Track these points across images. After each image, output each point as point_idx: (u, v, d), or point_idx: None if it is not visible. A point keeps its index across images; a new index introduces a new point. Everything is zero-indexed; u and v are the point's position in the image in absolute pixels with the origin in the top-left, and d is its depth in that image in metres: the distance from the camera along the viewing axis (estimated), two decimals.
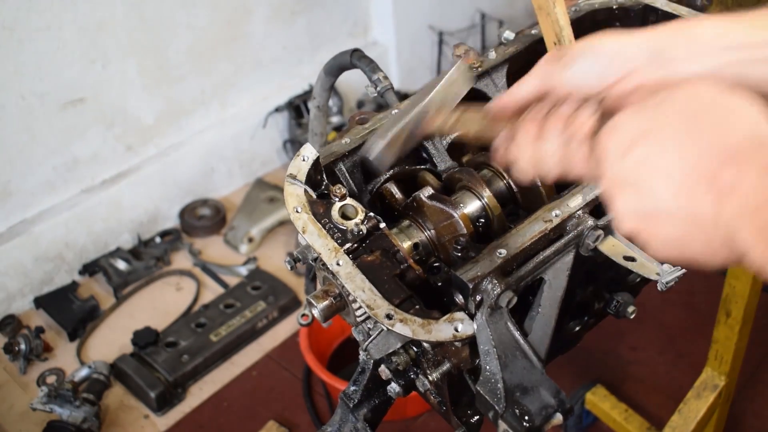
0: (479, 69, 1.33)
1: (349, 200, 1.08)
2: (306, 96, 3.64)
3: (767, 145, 0.68)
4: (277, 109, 3.64)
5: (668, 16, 1.40)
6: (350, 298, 1.02)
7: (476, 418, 1.15)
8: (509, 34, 1.39)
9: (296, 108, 3.65)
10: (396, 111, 1.06)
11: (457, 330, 0.97)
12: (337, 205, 1.07)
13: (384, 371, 1.15)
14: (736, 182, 0.67)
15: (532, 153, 0.88)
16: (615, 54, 0.87)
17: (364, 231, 1.05)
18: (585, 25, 1.43)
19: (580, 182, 1.09)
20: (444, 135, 1.02)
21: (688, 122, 0.72)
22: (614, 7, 1.44)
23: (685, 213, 0.71)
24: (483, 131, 0.96)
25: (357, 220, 1.05)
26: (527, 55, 1.38)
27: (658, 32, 0.87)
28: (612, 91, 0.87)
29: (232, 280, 3.17)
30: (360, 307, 1.00)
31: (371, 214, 1.07)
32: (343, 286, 1.01)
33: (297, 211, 1.07)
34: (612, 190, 0.77)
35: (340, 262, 1.02)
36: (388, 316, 0.96)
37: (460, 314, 0.98)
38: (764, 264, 0.65)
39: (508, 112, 0.94)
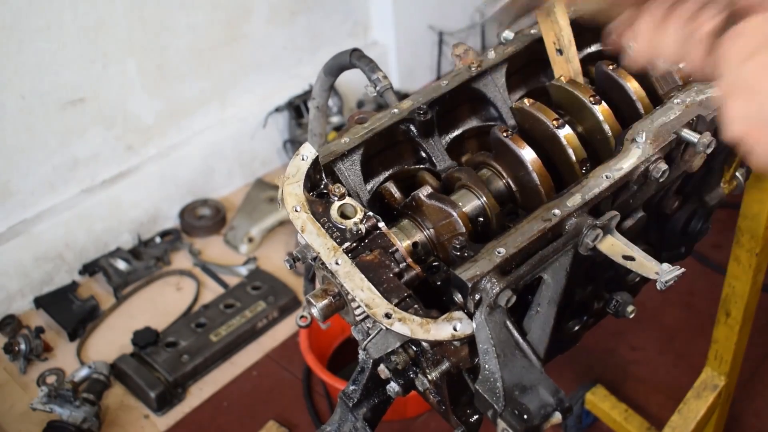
0: (478, 69, 1.33)
1: (348, 199, 1.08)
2: (306, 96, 3.64)
3: None
4: (277, 109, 3.64)
5: None
6: (349, 297, 1.02)
7: (475, 417, 1.15)
8: (508, 34, 1.39)
9: (296, 108, 3.65)
10: None
11: (455, 329, 0.97)
12: (336, 204, 1.07)
13: (383, 370, 1.15)
14: None
15: (650, 40, 0.89)
16: None
17: (363, 230, 1.05)
18: (584, 25, 1.43)
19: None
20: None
21: None
22: None
23: None
24: (601, 12, 0.97)
25: (356, 219, 1.06)
26: (526, 54, 1.38)
27: None
28: None
29: (232, 280, 3.17)
30: (359, 306, 1.00)
31: (370, 213, 1.07)
32: (342, 285, 1.02)
33: (296, 210, 1.07)
34: (727, 93, 0.79)
35: (339, 261, 1.02)
36: (387, 316, 0.96)
37: (458, 313, 0.98)
38: None
39: None
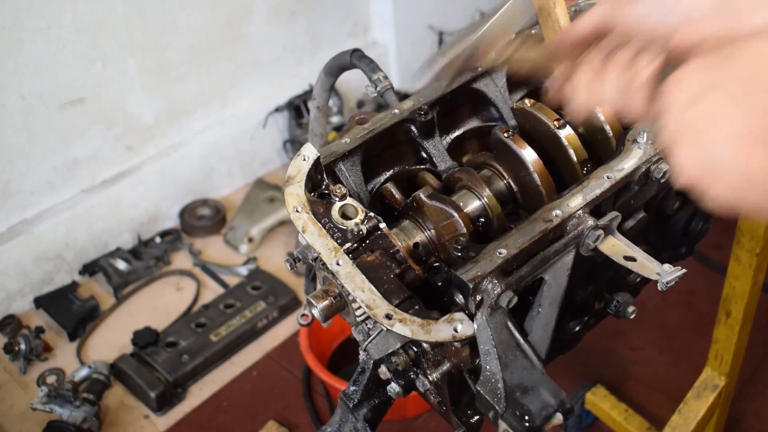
0: (479, 69, 1.32)
1: (349, 200, 1.08)
2: (306, 96, 3.64)
3: None
4: (277, 109, 3.64)
5: None
6: (350, 297, 1.02)
7: (476, 418, 1.15)
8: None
9: (296, 108, 3.65)
10: (455, 36, 1.07)
11: (456, 330, 0.97)
12: (337, 204, 1.07)
13: (384, 371, 1.15)
14: None
15: (589, 92, 0.88)
16: None
17: (364, 231, 1.05)
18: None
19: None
20: (497, 69, 1.01)
21: (753, 80, 0.73)
22: None
23: (742, 169, 0.72)
24: (538, 67, 0.95)
25: (357, 219, 1.06)
26: None
27: None
28: (675, 38, 0.86)
29: (232, 280, 3.17)
30: (360, 307, 1.00)
31: (371, 214, 1.07)
32: (342, 286, 1.01)
33: (297, 211, 1.07)
34: (673, 141, 0.78)
35: (340, 262, 1.02)
36: (388, 317, 0.96)
37: (459, 314, 0.98)
38: None
39: (567, 48, 0.93)
